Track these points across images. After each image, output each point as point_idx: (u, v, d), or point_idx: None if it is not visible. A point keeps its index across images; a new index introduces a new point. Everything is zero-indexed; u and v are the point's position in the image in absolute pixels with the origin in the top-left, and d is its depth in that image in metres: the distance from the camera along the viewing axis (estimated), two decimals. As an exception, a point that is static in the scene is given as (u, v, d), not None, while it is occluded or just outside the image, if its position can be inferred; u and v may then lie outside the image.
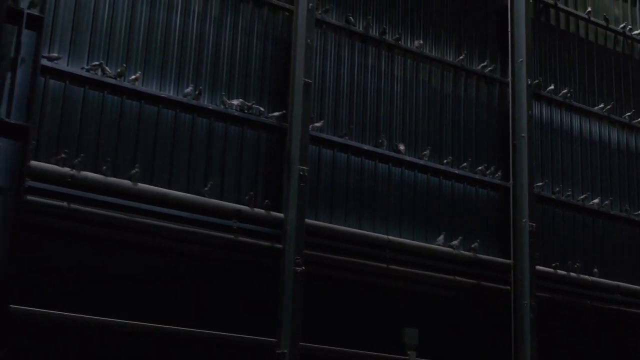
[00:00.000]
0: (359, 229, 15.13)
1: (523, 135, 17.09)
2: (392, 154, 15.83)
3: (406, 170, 16.00)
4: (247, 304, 13.84)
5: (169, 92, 13.84)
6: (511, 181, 17.02)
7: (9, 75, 11.04)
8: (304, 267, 13.91)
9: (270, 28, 15.13)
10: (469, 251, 16.16)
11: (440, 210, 16.22)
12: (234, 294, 13.75)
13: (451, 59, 17.06)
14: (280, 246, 14.11)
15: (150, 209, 13.21)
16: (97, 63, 13.20)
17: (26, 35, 11.19)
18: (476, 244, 16.23)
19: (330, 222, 14.86)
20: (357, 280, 14.93)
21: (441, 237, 15.93)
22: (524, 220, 16.67)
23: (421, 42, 16.64)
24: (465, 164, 16.65)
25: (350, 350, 14.50)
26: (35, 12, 11.34)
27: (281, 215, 14.24)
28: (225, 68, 14.50)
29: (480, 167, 16.78)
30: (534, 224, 16.67)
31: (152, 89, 13.70)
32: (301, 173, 14.30)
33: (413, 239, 15.69)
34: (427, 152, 16.18)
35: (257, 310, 13.87)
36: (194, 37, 14.29)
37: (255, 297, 13.91)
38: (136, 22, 13.80)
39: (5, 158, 10.77)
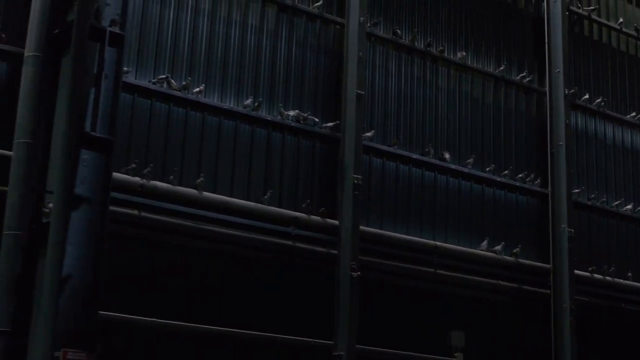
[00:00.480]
0: (407, 235, 15.68)
1: (561, 143, 17.64)
2: (438, 162, 16.38)
3: (451, 178, 16.56)
4: (305, 308, 14.38)
5: (230, 104, 14.37)
6: (550, 188, 17.57)
7: (92, 90, 11.56)
8: (359, 273, 14.44)
9: (323, 41, 15.67)
10: (510, 256, 16.71)
11: (483, 217, 16.78)
12: (292, 298, 14.29)
13: (491, 70, 17.61)
14: (336, 252, 14.65)
15: (215, 216, 13.74)
16: (163, 76, 13.72)
17: (108, 52, 11.70)
18: (518, 249, 16.79)
19: (381, 229, 15.41)
20: (406, 284, 15.48)
21: (485, 243, 16.49)
22: (562, 226, 17.22)
23: (464, 53, 17.19)
24: (506, 171, 17.21)
25: (402, 353, 15.04)
26: (116, 30, 11.87)
27: (336, 222, 14.78)
28: (281, 80, 15.03)
29: (520, 175, 17.34)
30: (573, 230, 17.22)
31: (214, 100, 14.23)
32: (355, 182, 14.83)
33: (458, 245, 16.24)
34: (470, 160, 16.74)
35: (314, 313, 14.41)
36: (251, 50, 14.82)
37: (312, 301, 14.45)
38: (198, 36, 14.32)
39: (90, 170, 11.32)
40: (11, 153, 11.93)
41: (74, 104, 11.33)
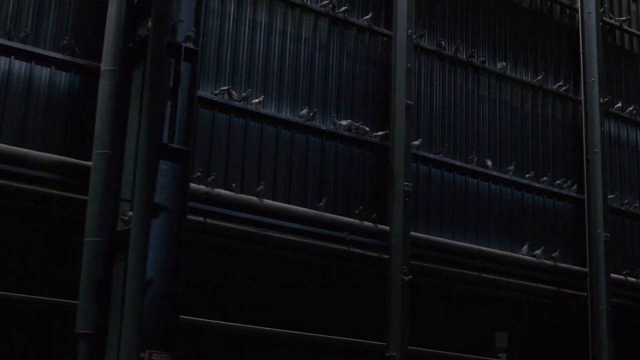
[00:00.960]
0: (452, 239, 16.26)
1: (596, 150, 18.22)
2: (481, 169, 16.97)
3: (493, 185, 17.14)
4: (359, 310, 14.95)
5: (286, 114, 14.94)
6: (585, 194, 18.15)
7: (169, 103, 12.13)
8: (410, 276, 15.01)
9: (371, 52, 16.24)
10: (549, 260, 17.28)
11: (523, 222, 17.36)
12: (346, 301, 14.86)
13: (529, 80, 18.19)
14: (387, 257, 15.22)
15: (274, 222, 14.31)
16: (224, 88, 14.28)
17: (183, 66, 12.27)
18: (556, 253, 17.37)
19: (428, 234, 15.98)
20: (452, 287, 16.07)
21: (525, 247, 17.07)
22: (598, 231, 17.80)
23: (503, 63, 17.77)
24: (545, 178, 17.80)
25: (450, 354, 15.63)
26: (191, 45, 12.44)
27: (387, 228, 15.35)
28: (333, 90, 15.61)
29: (558, 181, 17.93)
30: (609, 234, 17.79)
31: (272, 111, 14.79)
32: (405, 189, 15.40)
33: (500, 249, 16.82)
34: (511, 167, 17.32)
35: (367, 316, 14.98)
36: (305, 62, 15.39)
37: (365, 303, 15.02)
38: (255, 49, 14.88)
39: (168, 180, 11.86)
40: (89, 163, 12.53)
41: (152, 116, 11.87)
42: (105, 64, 12.58)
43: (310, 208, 14.78)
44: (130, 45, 12.79)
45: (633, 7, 20.26)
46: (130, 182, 12.34)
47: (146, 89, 12.07)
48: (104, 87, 12.51)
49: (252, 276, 14.04)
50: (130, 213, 11.88)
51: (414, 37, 16.46)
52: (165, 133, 12.09)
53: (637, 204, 19.03)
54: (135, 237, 11.51)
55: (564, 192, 18.03)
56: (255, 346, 13.81)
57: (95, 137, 12.35)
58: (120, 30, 12.67)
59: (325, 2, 15.73)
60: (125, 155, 12.46)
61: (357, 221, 15.16)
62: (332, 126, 15.37)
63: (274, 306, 14.16)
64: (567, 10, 19.21)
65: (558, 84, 18.56)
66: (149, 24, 12.57)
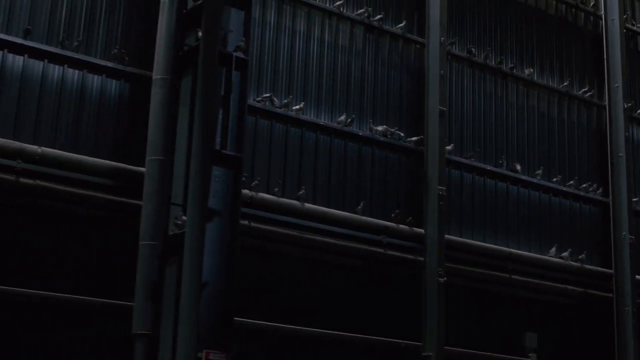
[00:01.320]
0: (484, 242, 16.67)
1: (621, 155, 18.64)
2: (510, 173, 17.39)
3: (521, 188, 17.56)
4: (395, 311, 15.35)
5: (325, 120, 15.34)
6: (610, 197, 18.56)
7: (220, 111, 12.53)
8: (445, 278, 15.41)
9: (405, 59, 16.65)
10: (576, 262, 17.69)
11: (551, 224, 17.78)
12: (383, 302, 15.26)
13: (556, 85, 18.60)
14: (422, 259, 15.62)
15: (315, 226, 14.71)
16: (267, 95, 14.67)
17: (234, 75, 12.67)
18: (583, 255, 17.79)
19: (460, 237, 16.39)
20: (484, 289, 16.48)
21: (553, 249, 17.49)
22: (623, 233, 18.22)
23: (531, 70, 18.19)
24: (571, 182, 18.22)
25: (484, 353, 16.04)
26: (241, 55, 12.84)
27: (422, 231, 15.75)
28: (369, 97, 16.01)
29: (584, 185, 18.34)
30: (633, 237, 18.21)
31: (311, 117, 15.20)
32: (440, 193, 15.80)
33: (529, 251, 17.23)
34: (539, 171, 17.74)
35: (403, 316, 15.38)
36: (342, 70, 15.80)
37: (401, 304, 15.43)
38: (295, 57, 15.29)
39: (221, 185, 12.27)
40: (139, 168, 12.93)
41: (205, 124, 12.27)
42: (157, 73, 12.96)
43: (348, 212, 15.15)
44: (179, 53, 13.17)
45: (655, 14, 20.70)
46: (180, 187, 12.75)
47: (198, 97, 12.45)
48: (156, 95, 12.89)
49: (293, 278, 14.44)
50: (184, 217, 12.27)
51: (446, 44, 16.86)
52: (218, 140, 12.50)
53: (659, 207, 19.44)
54: (190, 240, 11.90)
55: (589, 195, 18.45)
56: (297, 346, 14.19)
57: (148, 143, 12.74)
58: (170, 40, 13.05)
59: (361, 10, 16.12)
60: (175, 161, 12.86)
61: (394, 224, 15.57)
62: (368, 132, 15.77)
63: (315, 307, 14.56)
64: (591, 18, 19.63)
65: (583, 90, 18.98)
66: (199, 33, 13.00)
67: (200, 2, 13.20)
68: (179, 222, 12.45)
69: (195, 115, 12.43)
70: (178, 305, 11.98)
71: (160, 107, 12.83)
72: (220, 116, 12.58)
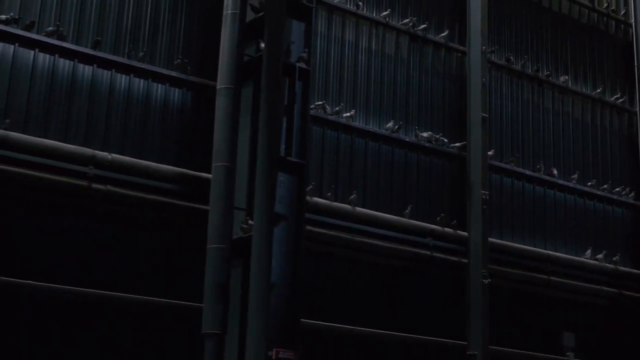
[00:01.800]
0: (523, 244, 17.22)
1: (652, 159, 19.24)
2: (547, 177, 17.94)
3: (557, 192, 18.11)
4: (441, 311, 15.90)
5: (373, 127, 15.88)
6: (643, 201, 19.19)
7: (284, 119, 13.06)
8: (489, 279, 15.95)
9: (447, 67, 17.19)
10: (610, 263, 18.25)
11: (586, 227, 18.34)
12: (430, 303, 15.81)
13: (589, 92, 19.17)
14: (466, 261, 16.17)
15: (365, 229, 15.25)
16: (319, 103, 15.19)
17: (297, 85, 13.21)
18: (617, 257, 18.34)
19: (501, 239, 16.94)
20: (523, 290, 17.03)
21: (588, 252, 18.05)
22: (654, 236, 18.83)
23: (566, 77, 18.74)
24: (605, 185, 18.79)
25: (526, 352, 16.60)
26: (303, 65, 13.37)
27: (466, 233, 16.30)
28: (414, 103, 16.56)
29: (617, 189, 18.90)
30: (665, 239, 18.83)
31: (360, 124, 15.74)
32: (483, 197, 16.34)
33: (565, 253, 17.78)
34: (575, 175, 18.29)
35: (448, 316, 15.93)
36: (389, 77, 16.34)
37: (447, 305, 15.98)
38: (345, 66, 15.82)
39: (286, 191, 12.81)
40: (204, 174, 13.47)
41: (270, 132, 12.79)
42: (222, 82, 13.48)
43: (397, 215, 15.69)
44: (240, 64, 13.69)
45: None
46: (243, 192, 13.29)
47: (262, 106, 12.95)
48: (221, 103, 13.41)
49: (344, 279, 14.98)
50: (250, 222, 12.80)
51: (487, 53, 17.38)
52: (282, 147, 13.03)
53: (688, 210, 19.99)
54: (258, 244, 12.42)
55: (622, 199, 19.01)
56: (349, 345, 14.72)
57: (214, 150, 13.25)
58: (234, 51, 13.56)
59: (406, 20, 16.66)
60: (237, 167, 13.38)
61: (439, 227, 16.11)
62: (414, 138, 16.30)
63: (364, 307, 15.10)
64: (622, 26, 20.18)
65: (615, 97, 19.53)
66: (261, 44, 13.53)
67: (261, 14, 13.74)
68: (245, 226, 12.98)
69: (260, 123, 12.94)
70: (245, 306, 12.53)
71: (225, 116, 13.34)
72: (284, 125, 13.09)
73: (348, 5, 16.04)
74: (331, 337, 14.52)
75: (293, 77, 13.38)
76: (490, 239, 16.52)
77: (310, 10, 13.92)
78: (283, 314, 12.50)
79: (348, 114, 15.51)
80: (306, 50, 13.56)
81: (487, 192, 16.46)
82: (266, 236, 12.41)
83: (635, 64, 19.85)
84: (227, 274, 12.83)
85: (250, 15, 13.95)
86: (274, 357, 12.07)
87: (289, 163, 13.02)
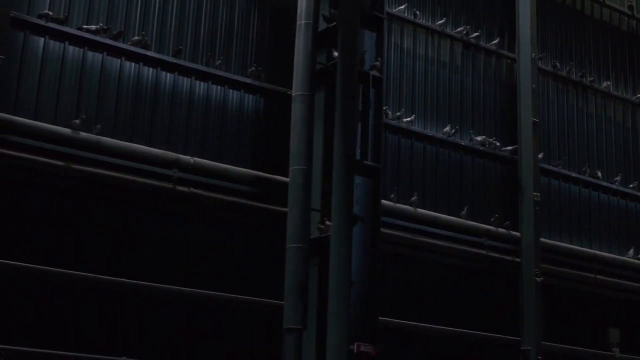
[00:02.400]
0: (570, 244, 17.92)
1: (691, 163, 19.91)
2: (592, 180, 18.63)
3: (602, 194, 18.80)
4: (495, 308, 16.58)
5: (431, 131, 16.56)
6: (682, 203, 19.88)
7: (359, 125, 13.72)
8: (542, 278, 16.63)
9: (498, 74, 17.88)
10: (652, 263, 18.99)
11: (629, 228, 19.02)
12: (485, 300, 16.49)
13: (630, 97, 19.86)
14: (519, 260, 16.85)
15: (425, 229, 15.93)
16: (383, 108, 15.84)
17: (371, 92, 13.87)
18: (658, 256, 19.10)
19: (550, 239, 17.63)
20: (571, 288, 17.71)
21: (631, 251, 18.73)
22: (695, 237, 19.49)
23: (608, 83, 19.43)
24: (645, 188, 19.55)
25: (572, 347, 17.28)
26: (376, 73, 14.04)
27: (518, 234, 16.98)
28: (467, 108, 17.24)
29: (657, 191, 19.69)
30: None
31: (419, 128, 16.41)
32: (535, 199, 17.02)
33: (610, 253, 18.47)
34: (618, 178, 18.98)
35: (503, 313, 16.61)
36: (444, 84, 17.02)
37: (501, 302, 16.66)
38: (403, 72, 16.49)
39: (362, 193, 13.47)
40: (279, 177, 14.17)
41: (346, 136, 13.43)
42: (297, 89, 14.13)
43: (454, 216, 16.37)
44: (313, 71, 14.35)
45: None
46: (317, 194, 13.95)
47: (337, 112, 13.57)
48: (297, 109, 14.06)
49: (405, 277, 15.63)
50: (328, 222, 13.46)
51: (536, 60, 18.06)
52: (358, 151, 13.70)
53: None
54: (337, 244, 13.06)
55: (663, 200, 19.74)
56: (410, 340, 15.40)
57: (291, 154, 13.91)
58: (307, 59, 14.22)
59: (460, 28, 17.33)
60: (312, 170, 14.04)
61: (494, 228, 16.78)
62: (469, 142, 16.98)
63: (425, 304, 15.77)
64: (659, 33, 20.93)
65: (659, 102, 20.29)
66: (334, 53, 14.18)
67: (333, 24, 14.40)
68: (322, 226, 13.64)
69: (335, 128, 13.56)
70: (323, 302, 13.18)
71: (301, 121, 13.99)
72: (359, 130, 13.75)
73: (406, 14, 16.70)
74: (393, 332, 15.18)
75: (367, 85, 14.03)
76: (540, 239, 17.21)
77: (381, 20, 14.58)
78: (361, 310, 13.14)
79: (408, 119, 16.17)
80: (379, 59, 14.21)
81: (539, 194, 17.13)
82: (346, 236, 13.04)
83: (673, 69, 20.53)
84: (306, 272, 13.48)
85: (321, 25, 14.61)
86: (355, 351, 12.71)
87: (365, 166, 13.68)
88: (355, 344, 12.77)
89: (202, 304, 13.43)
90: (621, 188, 19.10)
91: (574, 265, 17.79)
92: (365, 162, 13.71)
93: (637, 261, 18.74)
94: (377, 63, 14.19)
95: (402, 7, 16.58)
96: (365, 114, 13.94)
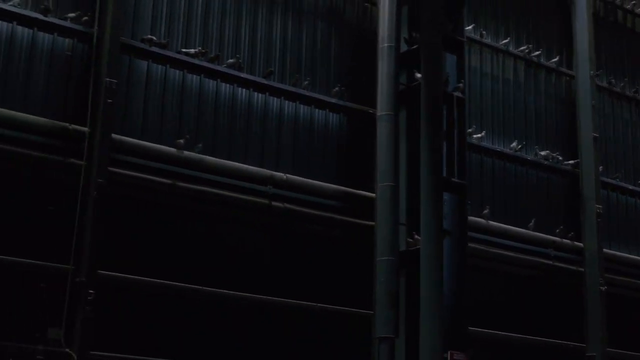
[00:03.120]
0: (628, 254, 18.63)
1: None
2: (646, 192, 19.41)
3: (653, 206, 19.59)
4: (561, 315, 17.27)
5: (501, 147, 17.28)
6: None
7: (445, 144, 14.41)
8: (606, 287, 17.34)
9: (558, 90, 18.60)
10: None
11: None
12: (552, 307, 17.18)
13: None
14: (583, 269, 17.56)
15: (496, 240, 16.64)
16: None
17: (455, 113, 14.57)
18: None
19: (609, 249, 18.31)
20: (633, 296, 18.40)
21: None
22: None
23: (660, 98, 20.21)
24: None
25: (632, 353, 17.98)
26: (460, 95, 14.74)
27: (581, 244, 17.69)
28: (531, 124, 17.96)
29: None
30: None
31: (488, 144, 17.13)
32: (598, 210, 17.73)
33: (664, 262, 19.22)
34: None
35: (568, 320, 17.30)
36: (508, 100, 17.74)
37: (567, 310, 17.35)
38: (472, 90, 17.16)
39: (450, 208, 14.15)
40: (365, 193, 14.88)
41: (433, 155, 14.10)
42: (382, 109, 14.82)
43: (522, 228, 17.08)
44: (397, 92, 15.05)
45: None
46: (404, 209, 14.64)
47: (423, 131, 14.22)
48: (382, 129, 14.75)
49: (481, 287, 16.28)
50: (417, 236, 14.14)
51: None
52: (444, 169, 14.39)
53: None
54: (428, 256, 13.72)
55: None
56: (484, 347, 16.06)
57: (378, 171, 14.61)
58: (391, 81, 14.90)
59: (523, 47, 18.05)
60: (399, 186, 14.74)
61: (559, 239, 17.48)
62: (534, 156, 17.69)
63: (497, 312, 16.46)
64: None
65: None
66: (416, 74, 14.87)
67: (415, 47, 15.10)
68: (410, 240, 14.33)
69: (421, 146, 14.20)
70: (413, 312, 13.85)
71: (387, 140, 14.67)
72: (444, 148, 14.45)
73: (473, 34, 17.40)
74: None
75: (450, 105, 14.74)
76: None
77: (462, 44, 15.30)
78: (452, 319, 13.82)
79: (478, 135, 16.88)
80: (462, 81, 14.92)
81: (601, 206, 17.84)
82: (436, 249, 13.72)
83: None
84: (397, 283, 14.16)
85: (402, 47, 15.30)
86: (449, 359, 13.40)
87: (452, 183, 14.38)
88: (449, 352, 13.45)
89: (298, 314, 14.11)
90: (675, 200, 19.83)
91: (634, 274, 18.47)
92: (453, 179, 14.41)
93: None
94: (460, 85, 14.89)
95: (470, 27, 17.25)
96: (449, 133, 14.62)
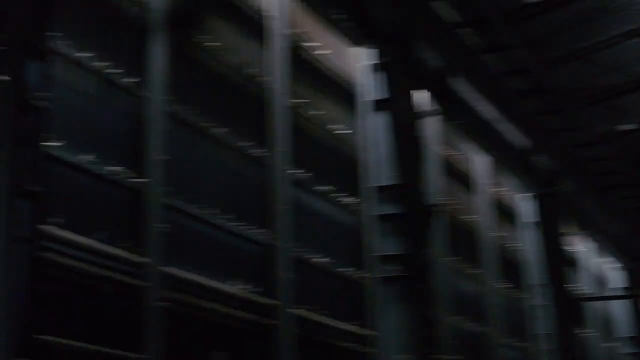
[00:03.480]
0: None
1: None
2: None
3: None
4: (124, 328, 17.83)
5: (79, 159, 17.44)
6: None
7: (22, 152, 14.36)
8: (166, 303, 18.30)
9: (135, 109, 19.29)
10: None
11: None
12: (115, 320, 17.67)
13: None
14: (145, 284, 18.34)
15: (69, 251, 16.66)
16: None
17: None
18: None
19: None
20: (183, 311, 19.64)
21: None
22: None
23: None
24: None
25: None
26: (40, 103, 14.82)
27: (145, 260, 18.45)
28: (109, 140, 18.38)
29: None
30: None
31: (69, 155, 17.17)
32: (163, 229, 18.70)
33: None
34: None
35: (130, 332, 17.90)
36: (90, 116, 18.01)
37: (129, 322, 17.94)
38: (59, 104, 16.98)
39: (24, 217, 14.20)
40: None
41: (9, 162, 13.93)
42: None
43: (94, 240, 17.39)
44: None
45: None
46: None
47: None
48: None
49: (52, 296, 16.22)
50: None
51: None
52: (19, 176, 14.22)
53: None
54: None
55: None
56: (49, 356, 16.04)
57: None
58: None
59: (107, 64, 18.46)
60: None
61: (125, 253, 18.05)
62: (108, 172, 18.13)
63: (67, 322, 16.46)
64: None
65: None
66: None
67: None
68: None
69: (-1, 151, 13.96)
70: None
71: None
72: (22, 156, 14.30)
73: (61, 46, 17.26)
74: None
75: (31, 113, 14.64)
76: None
77: (46, 53, 15.30)
78: (21, 328, 13.65)
79: (57, 144, 16.75)
80: (44, 90, 14.97)
81: (166, 225, 18.85)
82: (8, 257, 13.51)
83: None
84: None
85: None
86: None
87: (27, 191, 14.25)
88: (3, 358, 13.29)
89: None
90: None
91: (193, 292, 19.68)
92: (28, 187, 14.29)
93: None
94: (43, 94, 14.90)
95: (59, 38, 17.07)
96: (28, 140, 14.52)
